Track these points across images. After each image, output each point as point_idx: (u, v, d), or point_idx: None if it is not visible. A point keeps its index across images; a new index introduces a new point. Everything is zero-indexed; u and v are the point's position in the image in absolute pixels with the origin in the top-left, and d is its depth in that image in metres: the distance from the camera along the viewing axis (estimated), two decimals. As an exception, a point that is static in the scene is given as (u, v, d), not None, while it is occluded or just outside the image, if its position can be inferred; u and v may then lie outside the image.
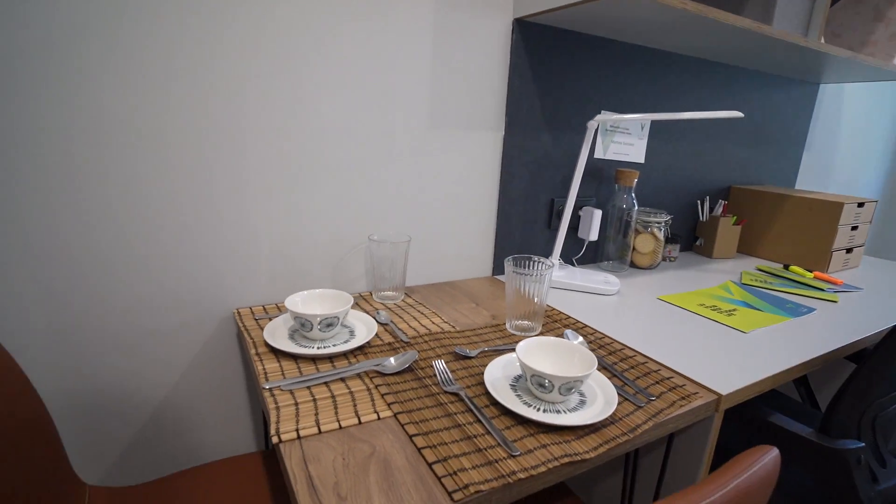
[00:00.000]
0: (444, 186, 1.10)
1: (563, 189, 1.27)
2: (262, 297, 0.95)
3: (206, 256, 0.87)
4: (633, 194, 1.28)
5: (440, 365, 0.74)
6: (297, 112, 0.89)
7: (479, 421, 0.62)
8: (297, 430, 0.58)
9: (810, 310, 1.11)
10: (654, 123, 1.39)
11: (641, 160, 1.40)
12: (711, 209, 1.60)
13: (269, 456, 0.89)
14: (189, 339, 0.89)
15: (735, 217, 1.53)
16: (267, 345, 0.78)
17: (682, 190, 1.54)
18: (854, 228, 1.46)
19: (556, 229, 1.30)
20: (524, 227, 1.25)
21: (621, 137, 1.34)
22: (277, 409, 0.62)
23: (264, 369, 0.71)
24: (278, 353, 0.76)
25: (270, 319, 0.88)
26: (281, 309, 0.93)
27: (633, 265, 1.39)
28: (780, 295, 1.21)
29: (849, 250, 1.47)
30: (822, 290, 1.27)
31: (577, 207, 1.31)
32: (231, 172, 0.86)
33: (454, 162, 1.09)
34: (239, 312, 0.90)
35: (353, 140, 0.96)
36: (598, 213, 1.26)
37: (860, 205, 1.44)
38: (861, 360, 1.10)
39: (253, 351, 0.76)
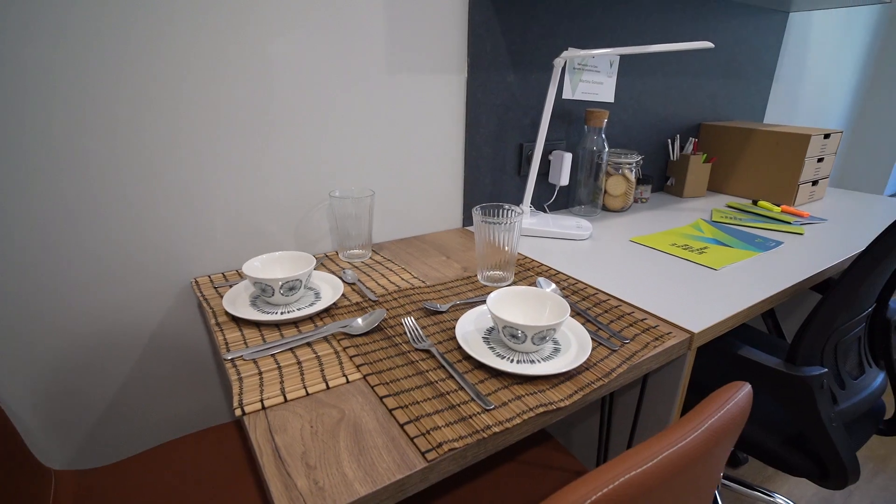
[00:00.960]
0: (408, 135, 1.04)
1: (531, 133, 1.23)
2: (220, 265, 0.90)
3: (157, 226, 0.81)
4: (604, 135, 1.25)
5: (409, 322, 0.71)
6: (245, 62, 0.81)
7: (452, 377, 0.60)
8: (261, 401, 0.56)
9: (778, 243, 1.12)
10: (622, 60, 1.34)
11: (611, 99, 1.36)
12: (681, 147, 1.58)
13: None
14: (148, 313, 0.85)
15: (705, 155, 1.51)
16: (227, 314, 0.74)
17: (651, 129, 1.51)
18: (820, 160, 1.46)
19: (527, 175, 1.26)
20: (493, 175, 1.20)
21: (590, 76, 1.28)
22: (240, 380, 0.59)
23: (225, 339, 0.68)
24: (240, 322, 0.72)
25: (231, 287, 0.83)
26: (241, 275, 0.89)
27: (605, 208, 1.37)
28: (749, 230, 1.22)
29: (814, 182, 1.48)
30: (788, 223, 1.28)
31: (547, 151, 1.27)
32: (175, 133, 0.78)
33: (417, 109, 1.03)
34: (197, 282, 0.85)
35: (306, 90, 0.88)
36: (568, 157, 1.23)
37: (826, 136, 1.44)
38: (826, 291, 1.13)
39: (213, 321, 0.72)
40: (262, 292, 0.73)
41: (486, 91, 1.11)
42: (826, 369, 0.84)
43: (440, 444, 0.49)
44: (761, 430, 0.97)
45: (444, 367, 0.62)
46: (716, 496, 1.29)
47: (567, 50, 1.06)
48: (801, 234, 1.20)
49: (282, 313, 0.73)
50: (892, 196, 2.45)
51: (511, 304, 0.70)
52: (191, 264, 0.86)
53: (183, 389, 0.93)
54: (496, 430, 0.52)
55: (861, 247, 1.10)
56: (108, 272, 0.79)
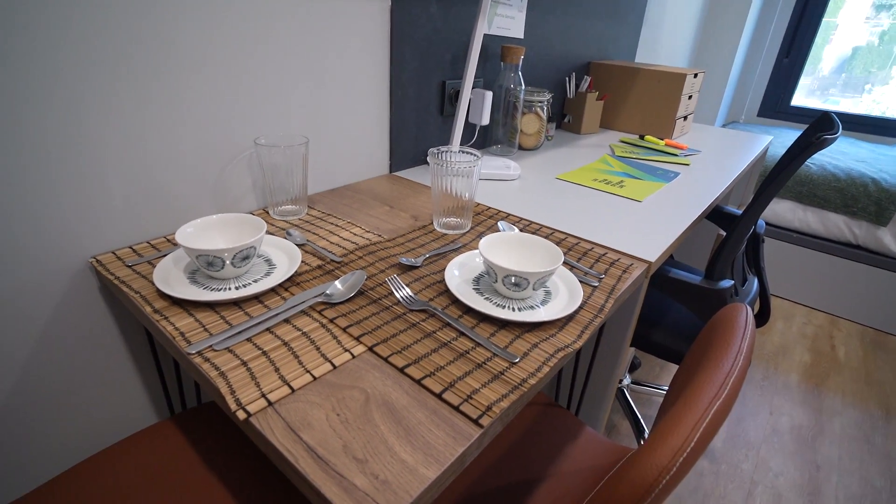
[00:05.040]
0: (330, 73, 0.91)
1: (452, 70, 1.16)
2: (124, 237, 0.71)
3: (30, 197, 0.60)
4: (521, 73, 1.24)
5: (396, 281, 0.65)
6: (120, -35, 0.61)
7: (464, 334, 0.57)
8: (263, 396, 0.46)
9: (676, 174, 1.25)
10: (530, -6, 1.32)
11: (521, 35, 1.34)
12: (577, 85, 1.65)
13: (183, 419, 0.74)
14: (30, 309, 0.65)
15: (598, 93, 1.60)
16: (164, 296, 0.60)
17: (551, 67, 1.54)
18: (690, 98, 1.64)
19: (451, 116, 1.21)
20: (418, 116, 1.13)
21: (504, 10, 1.24)
22: (222, 375, 0.49)
23: (177, 329, 0.55)
24: (186, 304, 0.59)
25: (151, 264, 0.67)
26: (157, 247, 0.72)
27: (520, 147, 1.39)
28: (649, 163, 1.34)
29: (685, 117, 1.67)
30: (675, 155, 1.43)
31: (468, 90, 1.22)
32: (52, 72, 0.57)
33: (338, 42, 0.90)
34: (99, 261, 0.67)
35: (211, 14, 0.71)
36: (489, 95, 1.19)
37: (695, 76, 1.61)
38: (729, 223, 1.29)
39: (148, 308, 0.58)
40: (209, 265, 0.60)
41: (410, 23, 1.01)
42: (734, 281, 0.98)
43: (489, 408, 0.47)
44: (672, 336, 1.11)
45: (450, 325, 0.59)
46: (626, 395, 1.48)
47: (494, -21, 1.00)
48: (688, 164, 1.35)
49: (237, 288, 0.61)
50: (723, 126, 2.89)
51: (500, 251, 0.67)
52: (85, 240, 0.67)
53: (88, 398, 0.75)
54: (532, 382, 0.51)
55: (735, 174, 1.28)
56: (-37, 261, 0.58)
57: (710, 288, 0.95)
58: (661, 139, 1.55)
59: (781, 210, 2.21)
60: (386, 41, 0.99)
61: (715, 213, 1.34)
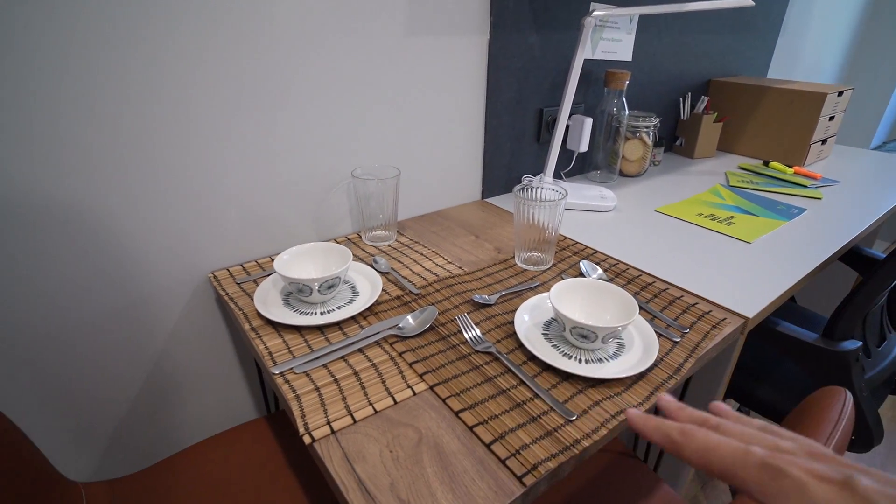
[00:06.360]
0: (427, 104, 0.96)
1: (551, 97, 1.15)
2: (236, 255, 0.82)
3: (166, 221, 0.72)
4: (624, 98, 1.19)
5: (465, 320, 0.67)
6: (249, 27, 0.70)
7: (524, 383, 0.57)
8: (328, 423, 0.51)
9: (801, 210, 1.11)
10: (641, 16, 1.26)
11: (629, 58, 1.28)
12: (692, 106, 1.53)
13: (274, 419, 0.83)
14: (161, 313, 0.78)
15: (716, 114, 1.47)
16: (261, 316, 0.68)
17: (663, 87, 1.45)
18: (831, 119, 1.44)
19: (547, 143, 1.20)
20: (512, 144, 1.14)
21: (610, 33, 1.20)
22: (297, 398, 0.55)
23: (267, 349, 0.62)
24: (277, 326, 0.67)
25: (256, 282, 0.77)
26: (263, 267, 0.82)
27: (620, 173, 1.33)
28: (769, 196, 1.20)
29: (824, 141, 1.47)
30: (804, 186, 1.27)
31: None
32: (178, 118, 0.69)
33: (436, 75, 0.94)
34: (216, 276, 0.78)
35: (317, 57, 0.79)
36: (588, 122, 1.16)
37: (840, 94, 1.41)
38: (869, 269, 1.13)
39: (247, 325, 0.66)
40: (299, 292, 0.67)
41: (507, 54, 1.02)
42: (861, 343, 0.85)
43: (535, 467, 0.47)
44: (780, 394, 0.99)
45: (512, 371, 0.59)
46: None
47: (596, 9, 0.97)
48: (819, 198, 1.19)
49: (321, 313, 0.68)
50: (875, 149, 2.50)
51: (571, 297, 0.66)
52: (205, 258, 0.79)
53: (204, 391, 0.88)
54: (586, 444, 0.50)
55: (881, 210, 1.10)
56: (116, 273, 0.71)
57: (828, 349, 0.83)
58: (790, 167, 1.38)
59: (953, 249, 1.85)
60: (483, 71, 1.01)
61: (851, 255, 1.17)
